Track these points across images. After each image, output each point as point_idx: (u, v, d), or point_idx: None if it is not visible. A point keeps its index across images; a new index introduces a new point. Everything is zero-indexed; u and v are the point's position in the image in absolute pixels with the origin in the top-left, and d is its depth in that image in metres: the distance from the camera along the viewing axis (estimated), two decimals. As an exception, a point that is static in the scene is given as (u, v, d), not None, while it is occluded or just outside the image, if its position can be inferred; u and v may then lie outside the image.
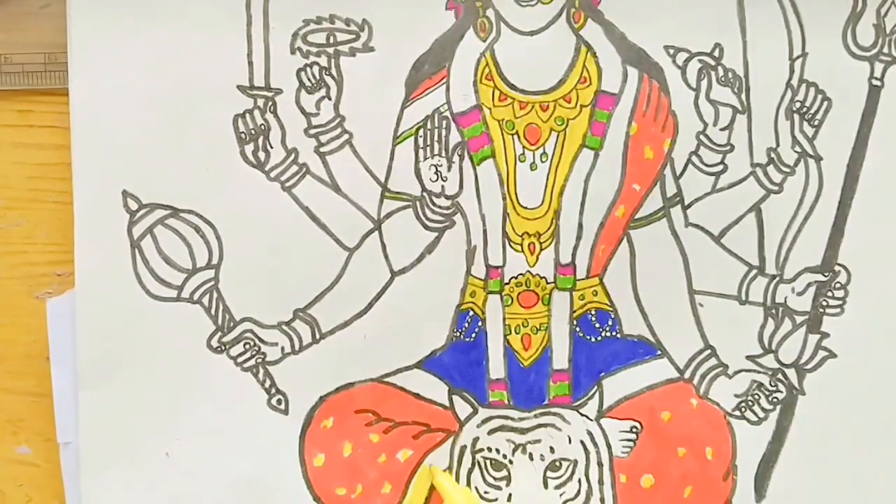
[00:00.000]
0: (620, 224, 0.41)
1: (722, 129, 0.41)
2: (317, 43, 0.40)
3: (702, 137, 0.41)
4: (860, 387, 0.41)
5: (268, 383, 0.41)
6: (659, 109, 0.40)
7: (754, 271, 0.41)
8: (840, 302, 0.41)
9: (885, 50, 0.41)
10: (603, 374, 0.41)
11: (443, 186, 0.40)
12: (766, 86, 0.41)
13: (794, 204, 0.41)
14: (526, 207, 0.41)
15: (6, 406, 0.41)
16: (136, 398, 0.40)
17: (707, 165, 0.41)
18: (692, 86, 0.40)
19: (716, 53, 0.40)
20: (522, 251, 0.41)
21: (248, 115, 0.40)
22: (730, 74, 0.40)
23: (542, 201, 0.41)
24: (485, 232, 0.41)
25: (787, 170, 0.41)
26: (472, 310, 0.41)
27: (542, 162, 0.40)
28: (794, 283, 0.41)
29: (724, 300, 0.41)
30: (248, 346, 0.40)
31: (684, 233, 0.41)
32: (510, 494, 0.41)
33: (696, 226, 0.41)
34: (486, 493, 0.41)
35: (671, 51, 0.40)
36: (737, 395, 0.41)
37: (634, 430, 0.41)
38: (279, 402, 0.41)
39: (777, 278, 0.41)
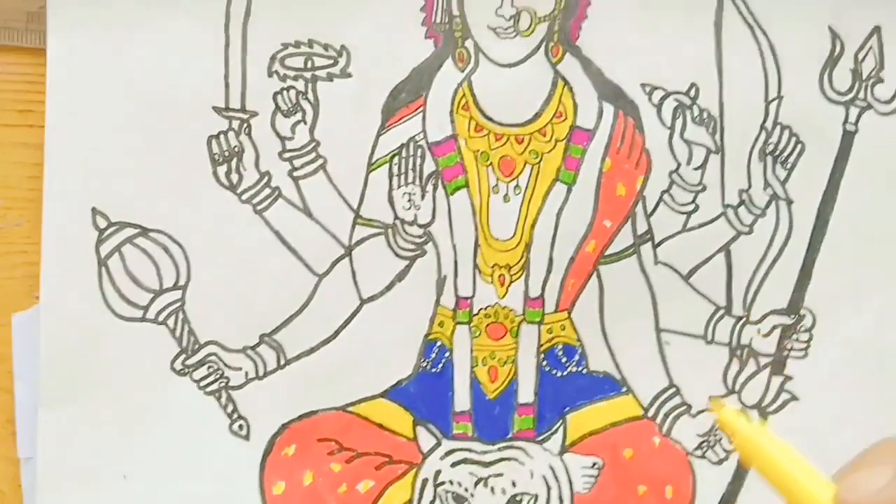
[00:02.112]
0: (591, 259, 0.41)
1: (695, 169, 0.41)
2: (294, 67, 0.40)
3: (674, 176, 0.41)
4: (821, 430, 0.42)
5: (230, 408, 0.40)
6: (633, 147, 0.40)
7: (721, 311, 0.41)
8: (805, 345, 0.42)
9: (861, 95, 0.41)
10: (568, 408, 0.41)
11: (415, 215, 0.40)
12: (741, 127, 0.41)
13: (763, 246, 0.41)
14: (498, 239, 0.41)
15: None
16: (96, 418, 0.40)
17: (679, 204, 0.41)
18: (667, 124, 0.41)
19: (692, 93, 0.41)
20: (492, 283, 0.41)
21: (222, 137, 0.40)
22: (705, 114, 0.41)
23: (514, 233, 0.41)
24: (455, 262, 0.41)
25: (757, 211, 0.41)
26: (440, 340, 0.41)
27: (516, 194, 0.40)
28: (760, 325, 0.42)
29: (690, 339, 0.41)
30: (211, 370, 0.40)
31: (653, 270, 0.41)
32: (471, 527, 0.41)
33: (666, 264, 0.41)
34: (446, 525, 0.41)
35: (647, 88, 0.40)
36: (699, 435, 0.41)
37: (596, 466, 0.41)
38: (241, 427, 0.40)
39: (743, 319, 0.41)
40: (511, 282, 0.41)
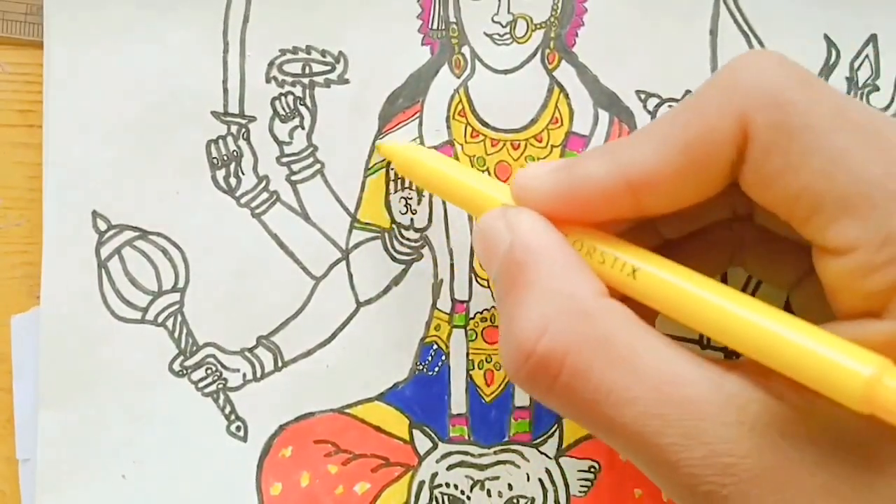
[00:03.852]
0: (586, 264, 0.41)
1: (689, 175, 0.41)
2: (292, 73, 0.40)
3: (669, 182, 0.41)
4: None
5: (228, 409, 0.41)
6: (628, 153, 0.41)
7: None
8: None
9: (856, 102, 0.42)
10: (563, 412, 0.41)
11: (412, 219, 0.41)
12: (735, 133, 0.41)
13: (758, 251, 0.42)
14: (494, 243, 0.41)
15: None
16: (95, 419, 0.40)
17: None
18: (662, 131, 0.41)
19: (686, 100, 0.41)
20: (489, 286, 0.41)
21: (220, 141, 0.40)
22: (699, 121, 0.41)
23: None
24: (452, 266, 0.41)
25: (752, 217, 0.41)
26: (437, 343, 0.41)
27: (512, 199, 0.41)
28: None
29: (685, 343, 0.41)
30: (209, 372, 0.40)
31: (649, 275, 0.41)
32: (467, 530, 0.41)
33: (661, 269, 0.41)
34: (442, 527, 0.41)
35: (642, 96, 0.41)
36: (695, 439, 0.41)
37: (593, 469, 0.41)
38: (238, 428, 0.41)
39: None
40: (507, 286, 0.41)
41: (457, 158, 0.41)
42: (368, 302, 0.41)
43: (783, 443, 0.25)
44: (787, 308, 0.37)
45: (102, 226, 0.40)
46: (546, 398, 0.28)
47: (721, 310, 0.27)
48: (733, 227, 0.35)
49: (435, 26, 0.40)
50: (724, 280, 0.40)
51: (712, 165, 0.27)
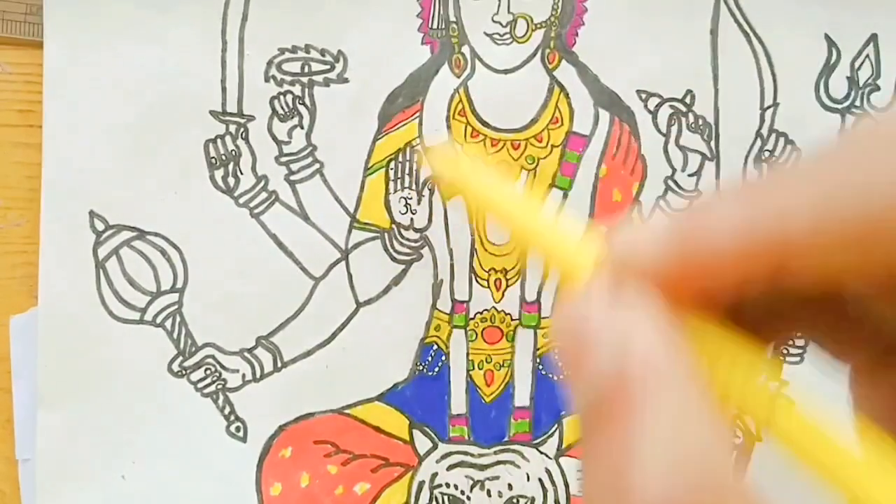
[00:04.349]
0: (586, 264, 0.41)
1: (690, 175, 0.41)
2: (291, 72, 0.40)
3: (670, 182, 0.41)
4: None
5: (227, 410, 0.41)
6: (629, 153, 0.41)
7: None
8: (801, 351, 0.42)
9: (857, 103, 0.41)
10: (564, 413, 0.41)
11: (412, 219, 0.41)
12: (736, 134, 0.41)
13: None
14: (493, 243, 0.41)
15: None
16: (94, 419, 0.40)
17: (674, 210, 0.41)
18: (662, 131, 0.41)
19: (687, 100, 0.41)
20: (488, 287, 0.41)
21: (219, 141, 0.40)
22: (700, 121, 0.41)
23: (510, 238, 0.41)
24: (452, 266, 0.41)
25: (753, 217, 0.41)
26: (437, 344, 0.41)
27: (512, 199, 0.41)
28: (756, 331, 0.42)
29: None
30: (208, 372, 0.40)
31: (649, 276, 0.41)
32: (467, 530, 0.41)
33: (661, 269, 0.41)
34: (442, 527, 0.41)
35: (643, 95, 0.41)
36: (695, 440, 0.41)
37: (592, 470, 0.41)
38: (238, 429, 0.41)
39: (739, 325, 0.42)
40: (507, 286, 0.41)
41: (457, 158, 0.40)
42: (368, 302, 0.41)
43: None
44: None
45: (100, 226, 0.40)
46: None
47: None
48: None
49: (435, 25, 0.40)
50: None
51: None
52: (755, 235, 0.20)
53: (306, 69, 0.40)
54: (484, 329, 0.41)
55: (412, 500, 0.41)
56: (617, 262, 0.22)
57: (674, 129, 0.41)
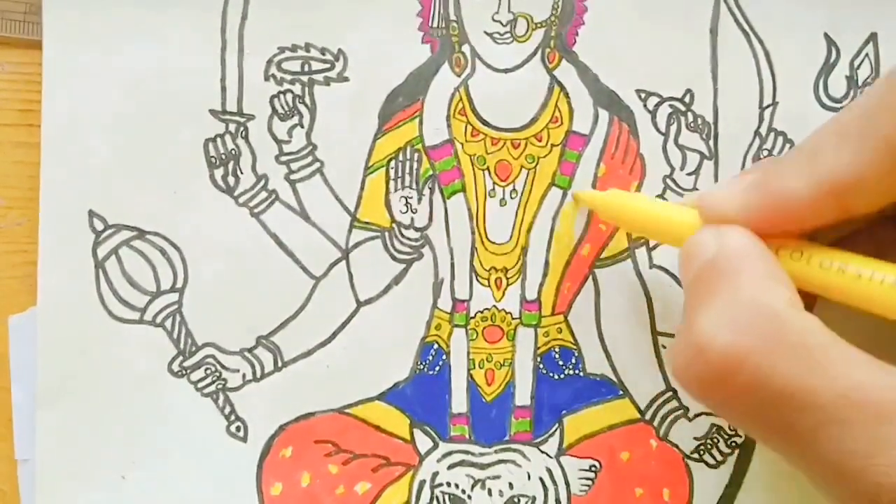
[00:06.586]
0: (586, 263, 0.41)
1: (689, 174, 0.41)
2: (291, 71, 0.40)
3: (668, 181, 0.41)
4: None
5: (227, 410, 0.40)
6: (627, 152, 0.41)
7: (717, 315, 0.41)
8: None
9: (856, 101, 0.42)
10: (565, 412, 0.41)
11: (412, 218, 0.40)
12: (735, 133, 0.41)
13: (758, 250, 0.42)
14: (494, 242, 0.41)
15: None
16: (94, 419, 0.40)
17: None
18: (661, 130, 0.41)
19: (686, 99, 0.41)
20: (489, 286, 0.41)
21: (219, 140, 0.40)
22: (699, 120, 0.41)
23: (510, 237, 0.41)
24: (452, 265, 0.41)
25: (752, 216, 0.41)
26: (437, 343, 0.41)
27: (512, 198, 0.41)
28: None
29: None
30: (209, 372, 0.40)
31: (648, 274, 0.41)
32: (468, 529, 0.41)
33: (660, 267, 0.41)
34: (443, 527, 0.41)
35: (642, 94, 0.41)
36: (696, 438, 0.41)
37: (593, 468, 0.41)
38: (238, 429, 0.40)
39: (739, 323, 0.42)
40: (508, 285, 0.41)
41: (457, 157, 0.40)
42: (369, 301, 0.41)
43: None
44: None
45: (99, 225, 0.40)
46: (715, 398, 0.27)
47: None
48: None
49: (435, 24, 0.40)
50: None
51: None
52: (815, 190, 0.28)
53: (306, 68, 0.40)
54: (484, 328, 0.41)
55: (413, 499, 0.41)
56: (709, 215, 0.31)
57: (673, 128, 0.41)
